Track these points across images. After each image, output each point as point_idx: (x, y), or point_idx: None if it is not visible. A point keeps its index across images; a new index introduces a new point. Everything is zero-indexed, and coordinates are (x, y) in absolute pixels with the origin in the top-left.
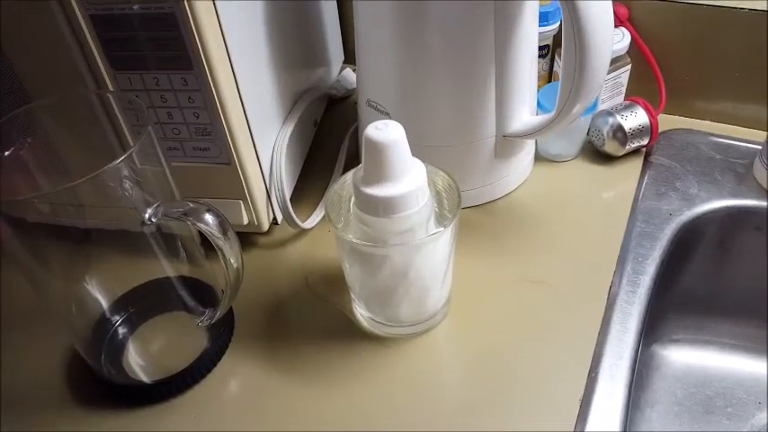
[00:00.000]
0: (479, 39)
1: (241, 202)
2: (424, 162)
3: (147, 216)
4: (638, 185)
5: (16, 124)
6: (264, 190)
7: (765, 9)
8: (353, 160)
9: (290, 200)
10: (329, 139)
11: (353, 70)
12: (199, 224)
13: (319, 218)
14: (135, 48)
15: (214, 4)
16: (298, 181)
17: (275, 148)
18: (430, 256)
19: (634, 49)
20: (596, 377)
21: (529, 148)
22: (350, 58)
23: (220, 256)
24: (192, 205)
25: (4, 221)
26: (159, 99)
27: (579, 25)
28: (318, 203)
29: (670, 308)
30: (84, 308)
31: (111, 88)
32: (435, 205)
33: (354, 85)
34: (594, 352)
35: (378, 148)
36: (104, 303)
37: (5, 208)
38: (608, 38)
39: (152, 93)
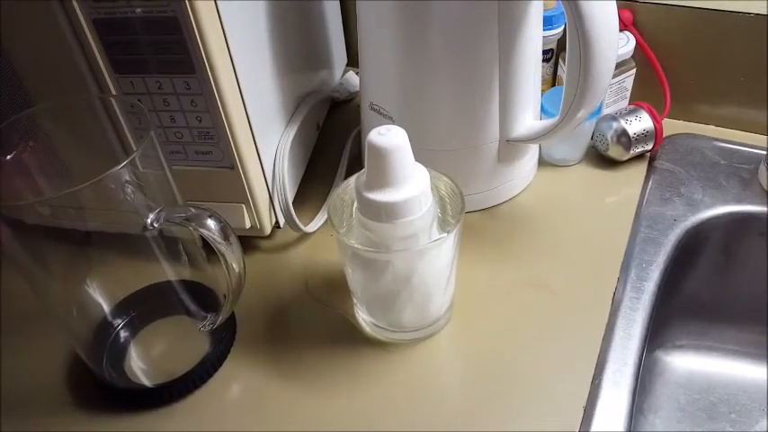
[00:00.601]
0: (483, 41)
1: (243, 205)
2: (427, 167)
3: (149, 221)
4: (643, 191)
5: (18, 128)
6: (267, 194)
7: None
8: (356, 164)
9: (293, 204)
10: (332, 142)
11: (356, 73)
12: (201, 230)
13: (321, 222)
14: (137, 51)
15: (216, 7)
16: (300, 185)
17: (278, 152)
18: (433, 262)
19: (639, 53)
20: (600, 384)
21: (532, 153)
22: (353, 61)
23: (222, 262)
24: (194, 211)
25: (5, 224)
26: (162, 103)
27: (584, 29)
28: (321, 207)
29: (674, 314)
30: (86, 311)
31: (113, 92)
32: (438, 210)
33: (357, 89)
34: (598, 358)
35: (381, 154)
36: (106, 307)
37: (6, 211)
38: (612, 42)
39: (154, 96)
